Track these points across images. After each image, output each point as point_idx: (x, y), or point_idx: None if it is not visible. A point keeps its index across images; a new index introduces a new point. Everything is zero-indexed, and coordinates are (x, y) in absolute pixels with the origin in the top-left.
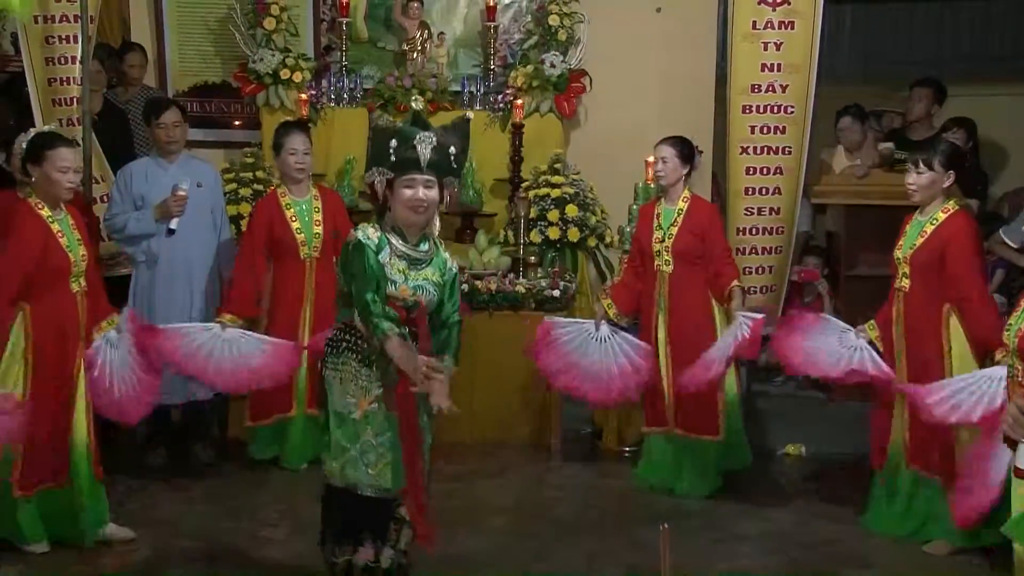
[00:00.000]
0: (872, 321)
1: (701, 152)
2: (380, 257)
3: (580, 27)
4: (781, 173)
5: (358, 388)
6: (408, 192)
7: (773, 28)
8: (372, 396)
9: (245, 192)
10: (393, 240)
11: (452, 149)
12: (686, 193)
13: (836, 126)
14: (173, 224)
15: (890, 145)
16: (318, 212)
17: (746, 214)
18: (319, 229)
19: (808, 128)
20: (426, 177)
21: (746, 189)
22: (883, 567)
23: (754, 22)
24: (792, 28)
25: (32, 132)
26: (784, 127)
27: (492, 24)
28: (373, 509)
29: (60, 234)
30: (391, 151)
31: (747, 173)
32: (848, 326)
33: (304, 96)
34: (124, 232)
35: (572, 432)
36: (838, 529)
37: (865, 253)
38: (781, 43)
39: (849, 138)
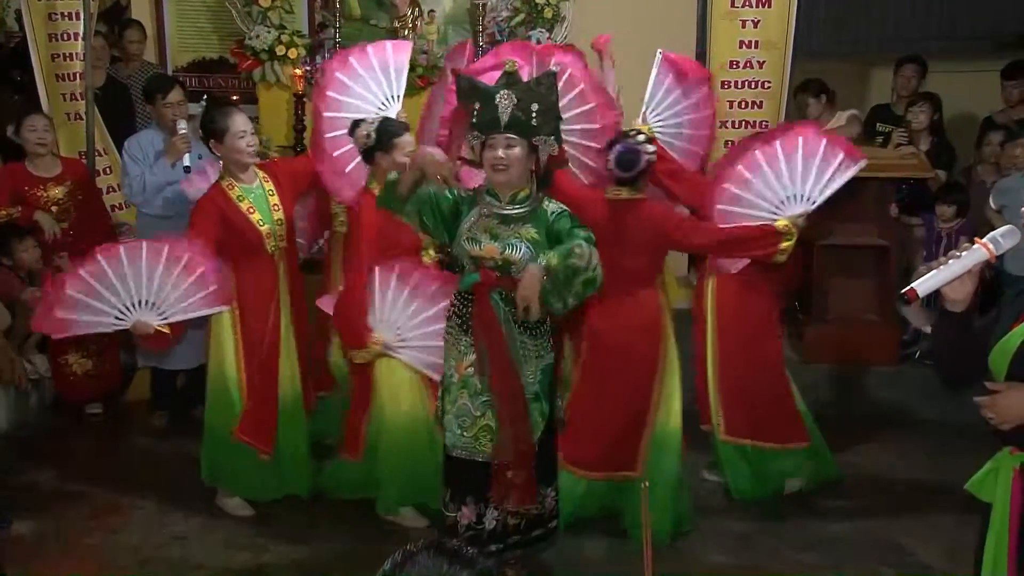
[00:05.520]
0: None
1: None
2: (470, 215)
3: (565, 5)
4: None
5: (458, 352)
6: (490, 153)
7: (751, 6)
8: (468, 361)
9: None
10: (487, 198)
11: (535, 107)
12: None
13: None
14: (186, 161)
15: (855, 112)
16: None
17: None
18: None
19: (784, 103)
20: (507, 136)
21: None
22: (862, 512)
23: (732, 1)
24: (769, 6)
25: (198, 116)
26: (761, 102)
27: (480, 1)
28: (469, 471)
29: (251, 210)
30: (475, 113)
31: (726, 147)
32: None
33: (299, 72)
34: (146, 190)
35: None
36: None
37: (839, 223)
38: (759, 20)
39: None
